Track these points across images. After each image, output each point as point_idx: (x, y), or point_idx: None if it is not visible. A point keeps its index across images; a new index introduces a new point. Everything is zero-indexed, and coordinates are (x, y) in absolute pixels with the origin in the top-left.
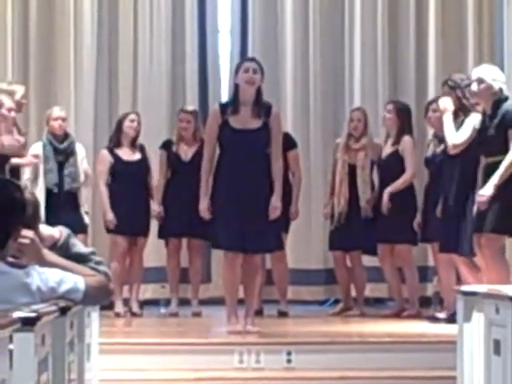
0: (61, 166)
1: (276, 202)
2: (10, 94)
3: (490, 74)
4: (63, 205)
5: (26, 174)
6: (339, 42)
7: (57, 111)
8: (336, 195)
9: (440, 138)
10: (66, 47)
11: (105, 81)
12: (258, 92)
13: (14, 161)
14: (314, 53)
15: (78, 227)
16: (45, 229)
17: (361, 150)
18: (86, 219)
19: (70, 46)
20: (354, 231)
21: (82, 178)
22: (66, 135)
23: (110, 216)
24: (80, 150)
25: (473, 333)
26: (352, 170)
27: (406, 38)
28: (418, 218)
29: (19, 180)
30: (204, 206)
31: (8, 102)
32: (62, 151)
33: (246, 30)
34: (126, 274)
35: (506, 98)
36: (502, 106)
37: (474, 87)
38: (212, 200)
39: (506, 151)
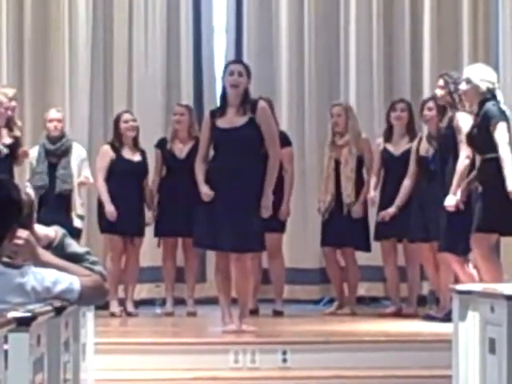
0: (53, 168)
1: (264, 202)
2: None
3: (478, 74)
4: (53, 208)
5: (27, 176)
6: (334, 40)
7: (53, 113)
8: (323, 191)
9: (434, 138)
10: (60, 48)
11: (100, 81)
12: (245, 94)
13: None
14: (309, 51)
15: (69, 231)
16: (40, 228)
17: (345, 146)
18: (79, 223)
19: (65, 47)
20: (343, 227)
21: (75, 179)
22: (61, 136)
23: (111, 208)
24: (80, 152)
25: (468, 332)
26: (338, 166)
27: (401, 37)
28: (390, 212)
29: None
30: (204, 190)
31: (5, 101)
32: (53, 152)
33: (241, 28)
34: (122, 274)
35: (494, 97)
36: (484, 105)
37: (463, 86)
38: (200, 199)
39: (493, 149)
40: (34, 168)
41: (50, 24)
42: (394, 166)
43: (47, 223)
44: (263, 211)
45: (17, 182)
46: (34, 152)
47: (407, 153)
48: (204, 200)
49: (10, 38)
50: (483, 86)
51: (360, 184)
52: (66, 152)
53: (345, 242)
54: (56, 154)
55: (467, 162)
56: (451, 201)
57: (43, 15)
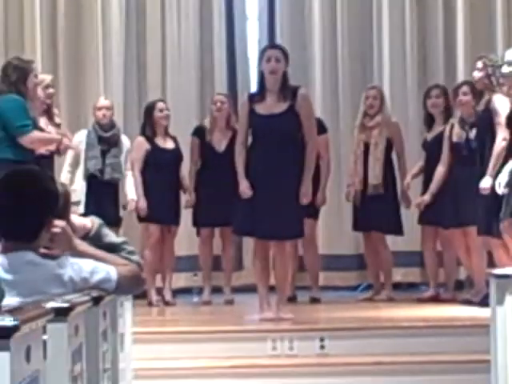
0: (103, 155)
1: (304, 188)
2: None
3: None
4: (104, 194)
5: (67, 160)
6: (367, 24)
7: (101, 101)
8: (352, 175)
9: (471, 124)
10: (94, 38)
11: (133, 70)
12: (284, 77)
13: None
14: (342, 36)
15: (114, 219)
16: (76, 219)
17: (375, 128)
18: (122, 213)
19: (99, 37)
20: (373, 211)
21: (123, 169)
22: (112, 125)
23: (143, 203)
24: (126, 143)
25: (506, 316)
26: (367, 149)
27: (434, 20)
28: (425, 199)
29: (52, 171)
30: (243, 186)
31: (41, 94)
32: (105, 140)
33: (274, 15)
34: (159, 263)
35: None
36: None
37: (505, 70)
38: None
39: None
40: (85, 152)
41: (84, 13)
42: (427, 151)
43: (97, 209)
44: (302, 198)
45: (56, 173)
46: (81, 136)
47: (438, 137)
48: (244, 196)
49: (44, 30)
50: None
51: (388, 167)
52: (117, 141)
53: (375, 226)
54: (109, 141)
55: (504, 143)
56: (487, 183)
57: (76, 6)
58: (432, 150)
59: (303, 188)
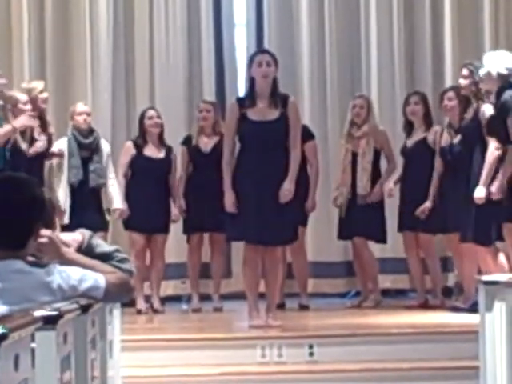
0: (85, 162)
1: (287, 185)
2: (28, 91)
3: (492, 61)
4: (87, 201)
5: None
6: (355, 32)
7: (81, 106)
8: (341, 184)
9: (456, 129)
10: (82, 44)
11: (122, 77)
12: (274, 83)
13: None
14: (330, 44)
15: (100, 224)
16: (66, 236)
17: (362, 138)
18: (107, 217)
19: (87, 43)
20: (359, 219)
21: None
22: (91, 131)
23: (124, 206)
24: (105, 147)
25: (495, 322)
26: (355, 159)
27: (422, 26)
28: (427, 206)
29: (42, 176)
30: (229, 200)
31: (23, 97)
32: (86, 146)
33: (262, 22)
34: (147, 271)
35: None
36: (502, 94)
37: (481, 72)
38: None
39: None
40: (68, 162)
41: (72, 22)
42: (407, 157)
43: (81, 217)
44: (283, 194)
45: (46, 179)
46: (62, 144)
47: (420, 143)
48: (228, 210)
49: (31, 36)
50: (494, 72)
51: (376, 176)
52: (98, 147)
53: (358, 233)
54: (90, 148)
55: (497, 153)
56: (481, 192)
57: (64, 12)
58: (411, 156)
59: (286, 184)
